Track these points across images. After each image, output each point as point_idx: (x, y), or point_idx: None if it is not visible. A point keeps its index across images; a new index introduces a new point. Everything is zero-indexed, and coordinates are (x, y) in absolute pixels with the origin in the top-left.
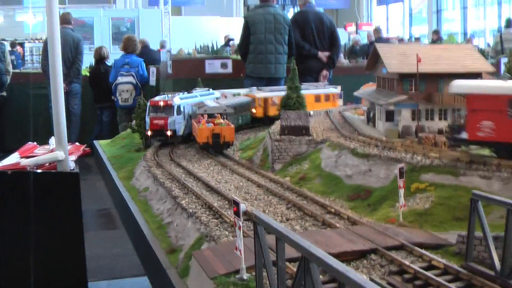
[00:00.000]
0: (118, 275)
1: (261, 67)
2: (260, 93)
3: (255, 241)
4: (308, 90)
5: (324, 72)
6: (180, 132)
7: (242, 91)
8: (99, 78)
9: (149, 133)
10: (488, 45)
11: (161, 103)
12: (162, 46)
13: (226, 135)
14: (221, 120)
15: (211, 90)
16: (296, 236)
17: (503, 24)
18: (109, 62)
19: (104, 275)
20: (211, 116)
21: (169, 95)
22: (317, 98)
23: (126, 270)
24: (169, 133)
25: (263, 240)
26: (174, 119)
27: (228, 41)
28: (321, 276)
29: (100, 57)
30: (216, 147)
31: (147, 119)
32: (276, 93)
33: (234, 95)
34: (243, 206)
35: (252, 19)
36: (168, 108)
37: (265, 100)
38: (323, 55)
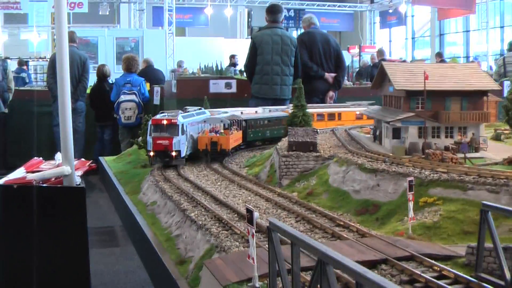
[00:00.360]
0: None
1: (266, 88)
2: None
3: (269, 247)
4: (350, 108)
5: (331, 93)
6: (184, 153)
7: (231, 110)
8: (101, 96)
9: (151, 154)
10: (491, 68)
11: (164, 122)
12: (180, 66)
13: (223, 143)
14: (223, 130)
15: (202, 109)
16: (311, 240)
17: (505, 47)
18: (111, 80)
19: None
20: (229, 127)
21: (169, 114)
22: (359, 116)
23: (130, 287)
24: (174, 154)
25: (278, 246)
26: (179, 139)
27: (233, 60)
28: None
29: (102, 75)
30: (214, 154)
31: (149, 139)
32: (311, 110)
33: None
34: (256, 214)
35: (260, 39)
36: (172, 127)
37: None
38: (329, 76)
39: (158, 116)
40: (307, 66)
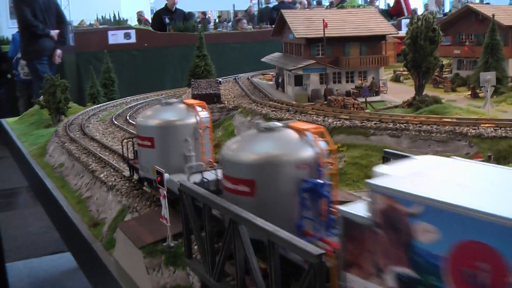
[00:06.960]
0: (35, 254)
1: None
2: None
3: (181, 207)
4: None
5: (58, 51)
6: None
7: None
8: None
9: None
10: (389, 5)
11: None
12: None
13: None
14: None
15: None
16: (222, 201)
17: None
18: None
19: (21, 255)
20: None
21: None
22: None
23: (43, 249)
24: None
25: (190, 206)
26: None
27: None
28: None
29: None
30: None
31: None
32: None
33: None
34: (167, 176)
35: None
36: None
37: None
38: (55, 33)
39: None
40: (33, 25)
